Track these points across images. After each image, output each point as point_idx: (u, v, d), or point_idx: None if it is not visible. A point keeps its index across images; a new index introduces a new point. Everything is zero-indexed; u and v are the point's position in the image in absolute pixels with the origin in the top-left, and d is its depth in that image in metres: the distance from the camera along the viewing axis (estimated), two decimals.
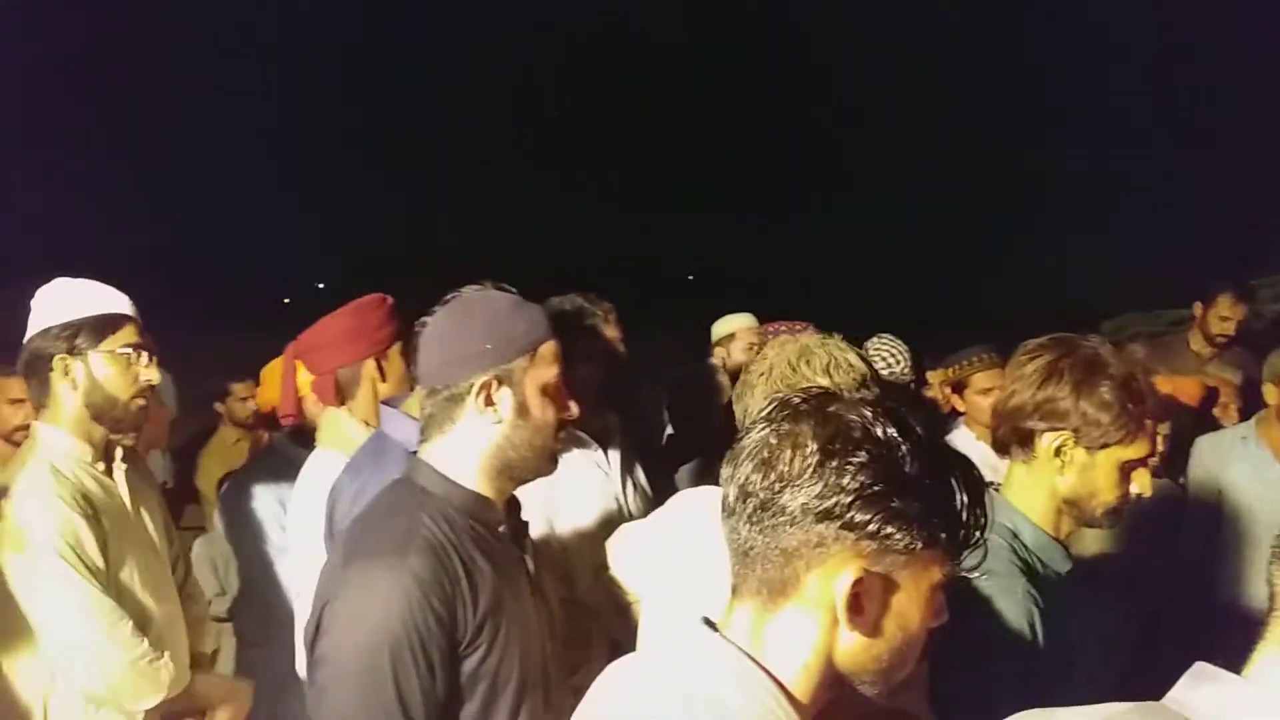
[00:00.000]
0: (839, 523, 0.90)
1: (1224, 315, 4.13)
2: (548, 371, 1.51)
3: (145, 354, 2.07)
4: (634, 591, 1.79)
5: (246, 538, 2.78)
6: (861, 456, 0.90)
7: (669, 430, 3.70)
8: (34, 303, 2.06)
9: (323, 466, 2.20)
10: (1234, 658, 0.85)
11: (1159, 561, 2.85)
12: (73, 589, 1.89)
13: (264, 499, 2.80)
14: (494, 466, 1.49)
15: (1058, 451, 1.59)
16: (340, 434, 2.24)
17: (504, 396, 1.47)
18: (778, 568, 0.93)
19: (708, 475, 2.64)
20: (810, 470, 0.91)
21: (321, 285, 21.00)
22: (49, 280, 2.08)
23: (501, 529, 1.51)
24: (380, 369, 2.25)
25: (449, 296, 1.55)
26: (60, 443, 2.01)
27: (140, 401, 2.07)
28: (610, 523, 2.10)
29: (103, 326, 2.02)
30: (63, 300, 2.04)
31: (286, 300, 19.21)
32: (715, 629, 0.98)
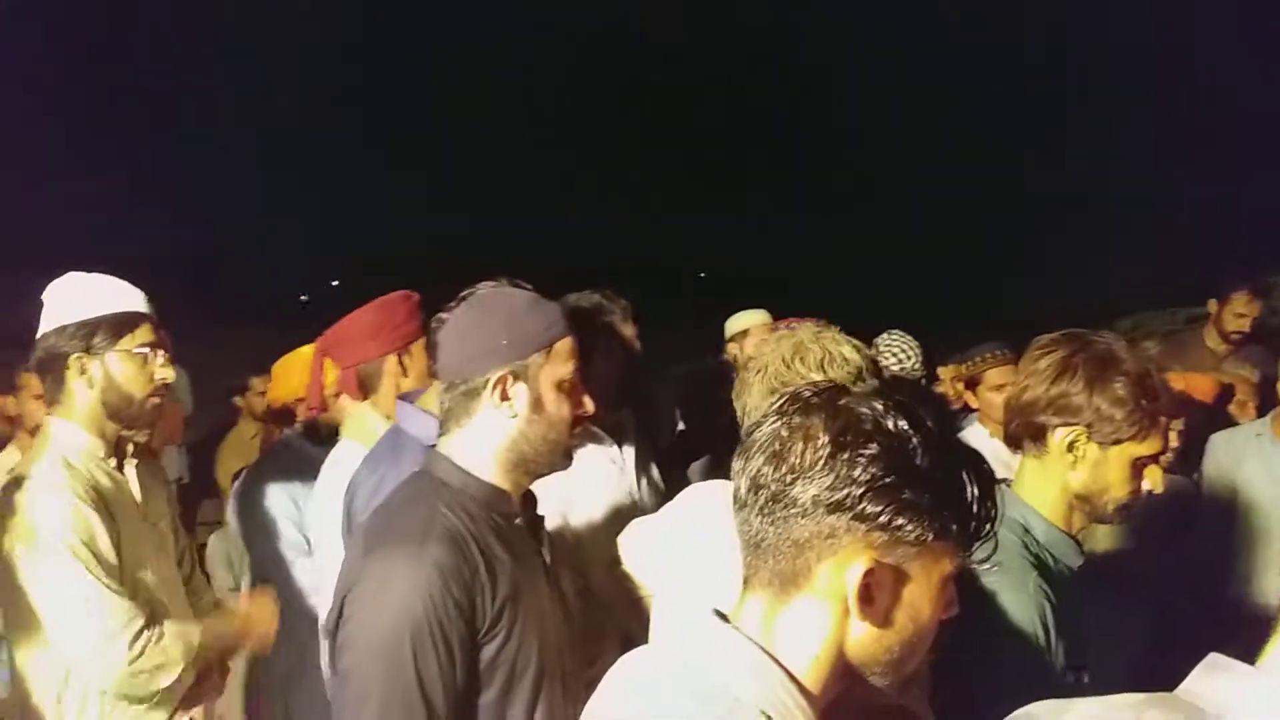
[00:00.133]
0: (850, 514, 0.90)
1: (1240, 312, 4.13)
2: (563, 368, 1.53)
3: (161, 352, 2.07)
4: (646, 586, 1.80)
5: (257, 533, 2.80)
6: (873, 449, 0.90)
7: (680, 427, 3.72)
8: (48, 297, 2.05)
9: (347, 458, 2.24)
10: (1247, 655, 0.85)
11: (1172, 558, 2.85)
12: (82, 583, 1.88)
13: (275, 495, 2.82)
14: (509, 460, 1.51)
15: (1070, 447, 1.58)
16: (364, 427, 2.29)
17: (519, 391, 1.49)
18: (789, 559, 0.93)
19: (719, 471, 2.65)
20: (822, 462, 0.91)
21: (336, 283, 21.11)
22: (60, 275, 2.06)
23: (518, 521, 1.53)
24: (402, 364, 2.29)
25: (466, 292, 1.56)
26: (73, 438, 2.01)
27: (155, 400, 2.07)
28: (624, 518, 2.11)
29: (120, 325, 2.02)
30: (79, 297, 2.03)
31: (304, 297, 19.36)
32: (727, 621, 0.99)
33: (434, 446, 1.55)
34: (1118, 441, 1.56)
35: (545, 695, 1.47)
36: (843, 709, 0.98)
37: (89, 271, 2.09)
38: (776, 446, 0.94)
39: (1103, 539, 2.64)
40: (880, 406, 0.94)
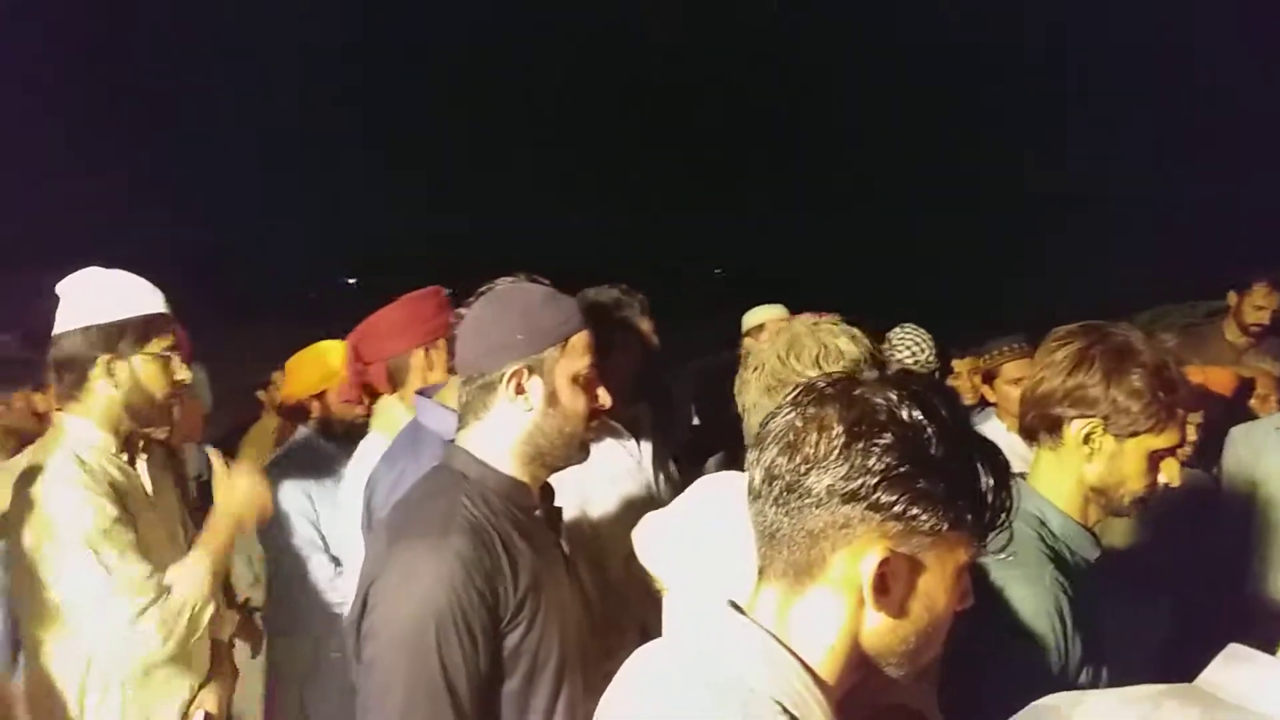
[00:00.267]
0: (865, 504, 0.90)
1: (1259, 305, 4.09)
2: (579, 362, 1.55)
3: (180, 353, 2.10)
4: (660, 579, 1.81)
5: (273, 529, 2.82)
6: (887, 438, 0.90)
7: (695, 421, 3.73)
8: (66, 293, 2.05)
9: (371, 452, 2.31)
10: (1265, 649, 0.84)
11: (1190, 552, 2.83)
12: (99, 576, 1.91)
13: (291, 491, 2.84)
14: (526, 453, 1.53)
15: (1086, 439, 1.57)
16: (392, 420, 2.36)
17: (535, 385, 1.51)
18: (804, 549, 0.93)
19: (735, 466, 2.65)
20: (836, 452, 0.91)
21: (353, 280, 21.21)
22: (61, 274, 2.06)
23: (537, 513, 1.55)
24: (429, 359, 2.32)
25: (485, 288, 1.58)
26: (87, 434, 2.03)
27: (173, 400, 2.10)
28: (641, 512, 2.11)
29: (146, 328, 2.04)
30: (104, 297, 2.04)
31: (311, 294, 19.46)
32: (741, 612, 0.99)
33: (452, 440, 1.57)
34: (1134, 434, 1.55)
35: (567, 685, 1.48)
36: (856, 703, 0.99)
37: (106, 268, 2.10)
38: (791, 437, 0.95)
39: (1120, 533, 2.61)
40: (895, 396, 0.93)
